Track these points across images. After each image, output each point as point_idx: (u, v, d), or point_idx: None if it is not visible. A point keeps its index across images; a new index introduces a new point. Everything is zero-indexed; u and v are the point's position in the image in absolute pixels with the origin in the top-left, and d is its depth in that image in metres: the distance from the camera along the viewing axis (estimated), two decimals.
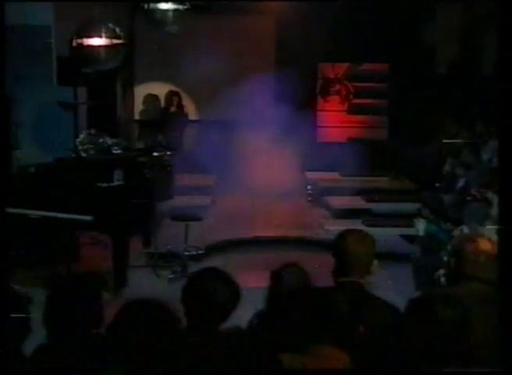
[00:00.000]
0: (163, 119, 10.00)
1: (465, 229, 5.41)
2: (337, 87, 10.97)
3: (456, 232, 5.47)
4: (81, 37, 5.13)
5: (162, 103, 10.38)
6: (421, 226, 6.34)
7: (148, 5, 5.55)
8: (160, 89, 10.45)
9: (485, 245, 2.76)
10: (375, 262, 2.83)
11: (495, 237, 2.96)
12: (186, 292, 2.57)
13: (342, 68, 10.91)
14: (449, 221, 6.00)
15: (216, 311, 2.52)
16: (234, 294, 2.57)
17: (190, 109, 10.30)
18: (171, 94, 10.00)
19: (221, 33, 10.20)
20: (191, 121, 10.25)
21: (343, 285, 2.78)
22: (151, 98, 10.53)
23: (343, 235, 2.86)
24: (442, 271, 4.44)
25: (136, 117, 10.61)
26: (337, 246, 2.83)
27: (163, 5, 5.54)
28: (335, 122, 10.98)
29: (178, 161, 7.93)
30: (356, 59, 10.62)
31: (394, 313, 2.77)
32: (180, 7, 5.53)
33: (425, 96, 9.98)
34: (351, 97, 10.97)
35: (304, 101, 10.30)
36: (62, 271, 5.65)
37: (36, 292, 3.83)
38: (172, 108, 10.00)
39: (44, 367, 2.36)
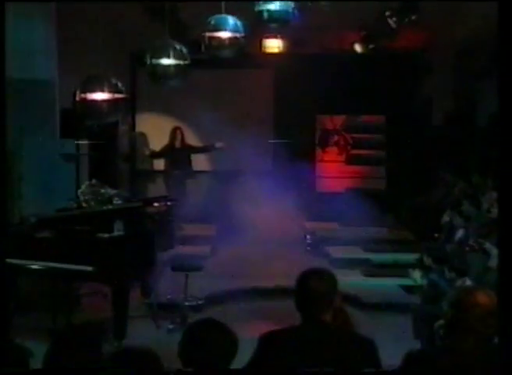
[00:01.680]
0: (169, 155, 10.17)
1: (468, 280, 5.41)
2: (335, 138, 11.12)
3: (459, 283, 5.48)
4: (84, 92, 5.24)
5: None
6: (417, 276, 6.33)
7: (150, 60, 5.69)
8: (161, 140, 10.59)
9: (482, 298, 2.76)
10: (337, 299, 2.95)
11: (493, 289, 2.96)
12: (183, 344, 2.55)
13: (340, 119, 11.08)
14: (453, 270, 6.00)
15: (214, 362, 2.50)
16: (232, 345, 2.56)
17: None
18: (175, 130, 10.15)
19: (221, 87, 10.42)
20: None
21: (308, 323, 2.88)
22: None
23: (304, 274, 3.00)
24: (442, 321, 4.43)
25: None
26: (299, 285, 2.95)
27: (165, 61, 5.68)
28: (333, 172, 11.08)
29: (178, 211, 7.99)
30: (353, 111, 10.80)
31: (366, 347, 2.85)
32: (181, 62, 5.66)
33: (422, 147, 10.13)
34: (349, 148, 11.11)
35: (303, 151, 10.45)
36: (62, 322, 5.64)
37: (36, 344, 3.82)
38: (177, 144, 10.13)
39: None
